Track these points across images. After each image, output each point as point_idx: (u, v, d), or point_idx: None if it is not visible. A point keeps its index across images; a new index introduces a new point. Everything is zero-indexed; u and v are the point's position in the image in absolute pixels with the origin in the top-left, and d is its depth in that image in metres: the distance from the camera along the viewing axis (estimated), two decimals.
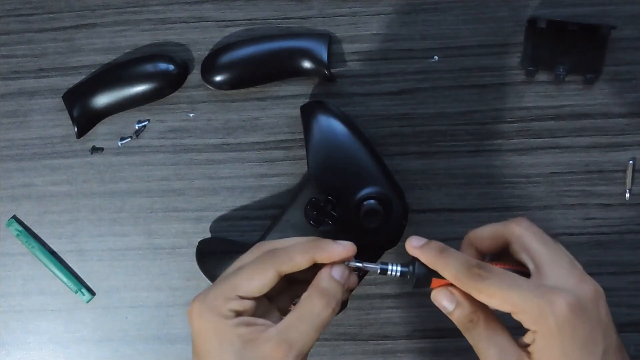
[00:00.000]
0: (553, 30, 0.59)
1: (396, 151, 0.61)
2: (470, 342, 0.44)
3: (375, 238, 0.56)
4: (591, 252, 0.60)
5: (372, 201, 0.55)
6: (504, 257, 0.46)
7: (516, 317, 0.41)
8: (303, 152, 0.62)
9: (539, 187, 0.61)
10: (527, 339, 0.41)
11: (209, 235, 0.63)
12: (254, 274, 0.43)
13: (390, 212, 0.56)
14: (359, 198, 0.56)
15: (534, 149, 0.61)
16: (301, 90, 0.63)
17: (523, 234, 0.44)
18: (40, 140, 0.65)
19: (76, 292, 0.63)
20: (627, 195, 0.60)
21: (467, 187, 0.61)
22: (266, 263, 0.43)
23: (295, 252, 0.43)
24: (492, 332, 0.43)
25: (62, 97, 0.64)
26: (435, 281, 0.44)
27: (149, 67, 0.63)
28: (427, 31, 0.62)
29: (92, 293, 0.64)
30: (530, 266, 0.43)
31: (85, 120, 0.63)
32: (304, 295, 0.43)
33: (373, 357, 0.62)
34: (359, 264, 0.45)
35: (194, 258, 0.63)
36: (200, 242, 0.61)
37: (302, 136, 0.62)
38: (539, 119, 0.61)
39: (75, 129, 0.63)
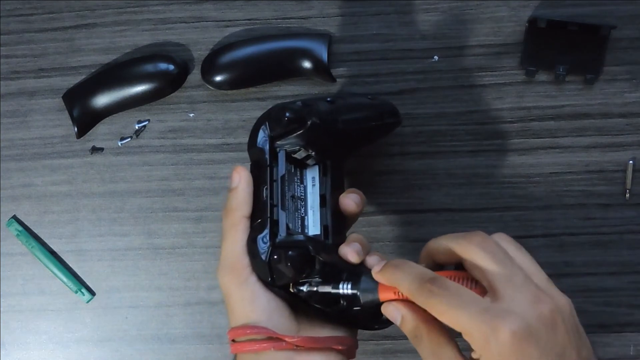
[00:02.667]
0: (553, 30, 0.59)
1: (396, 151, 0.61)
2: (420, 354, 0.43)
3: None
4: (591, 252, 0.60)
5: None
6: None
7: (465, 338, 0.40)
8: None
9: (539, 187, 0.61)
10: (474, 356, 0.40)
11: (208, 235, 0.63)
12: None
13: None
14: None
15: (534, 149, 0.61)
16: (301, 90, 0.63)
17: (474, 253, 0.41)
18: (40, 140, 0.65)
19: (76, 292, 0.63)
20: (627, 195, 0.60)
21: (467, 187, 0.61)
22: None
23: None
24: (437, 346, 0.42)
25: (62, 97, 0.64)
26: (383, 295, 0.44)
27: (149, 67, 0.63)
28: (427, 31, 0.62)
29: (92, 293, 0.64)
30: (485, 284, 0.41)
31: (85, 120, 0.63)
32: None
33: (373, 357, 0.62)
34: (313, 288, 0.46)
35: (194, 258, 0.63)
36: None
37: None
38: (539, 119, 0.61)
39: (75, 129, 0.63)
